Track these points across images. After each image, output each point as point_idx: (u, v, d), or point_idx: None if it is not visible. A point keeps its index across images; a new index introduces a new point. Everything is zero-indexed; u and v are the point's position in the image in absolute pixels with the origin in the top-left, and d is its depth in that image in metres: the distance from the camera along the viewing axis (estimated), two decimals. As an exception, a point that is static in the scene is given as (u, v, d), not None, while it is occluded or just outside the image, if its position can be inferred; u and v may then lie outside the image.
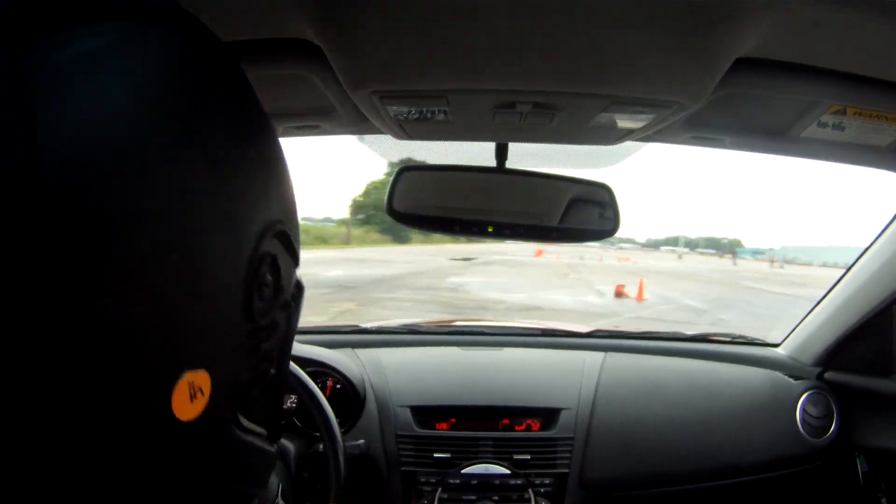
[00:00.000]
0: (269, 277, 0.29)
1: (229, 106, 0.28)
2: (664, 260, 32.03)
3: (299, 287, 0.34)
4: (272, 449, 0.33)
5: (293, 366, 1.00)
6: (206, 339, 0.25)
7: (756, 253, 53.69)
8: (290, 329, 0.33)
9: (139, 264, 0.21)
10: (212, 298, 0.25)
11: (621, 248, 47.77)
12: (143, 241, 0.21)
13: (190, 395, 0.24)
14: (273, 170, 0.30)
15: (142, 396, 0.22)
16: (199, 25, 0.27)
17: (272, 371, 0.32)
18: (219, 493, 0.29)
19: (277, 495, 0.90)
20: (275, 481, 0.91)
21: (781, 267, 32.36)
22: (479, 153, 0.88)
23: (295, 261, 0.33)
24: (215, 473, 0.28)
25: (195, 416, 0.25)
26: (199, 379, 0.25)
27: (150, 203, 0.22)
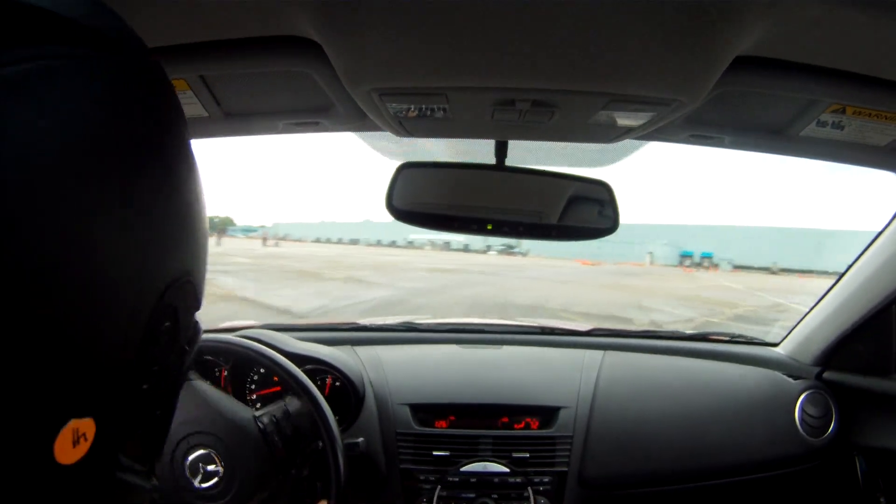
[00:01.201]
0: (167, 325, 0.29)
1: (158, 146, 0.26)
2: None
3: (196, 329, 0.33)
4: (147, 485, 0.33)
5: (292, 365, 1.00)
6: (97, 389, 0.25)
7: (248, 230, 53.51)
8: (181, 371, 0.32)
9: (33, 315, 0.21)
10: (108, 352, 0.25)
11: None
12: (38, 290, 0.21)
13: (73, 442, 0.24)
14: (190, 215, 0.29)
15: (25, 441, 0.22)
16: (142, 52, 0.25)
17: (159, 411, 0.32)
18: None
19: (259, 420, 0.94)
20: (250, 415, 0.94)
21: (276, 245, 31.59)
22: (479, 151, 0.88)
23: (197, 307, 0.32)
24: None
25: (76, 461, 0.24)
26: (84, 426, 0.24)
27: (50, 248, 0.21)
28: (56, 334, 0.22)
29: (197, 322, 0.33)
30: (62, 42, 0.22)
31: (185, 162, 0.28)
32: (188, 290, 0.29)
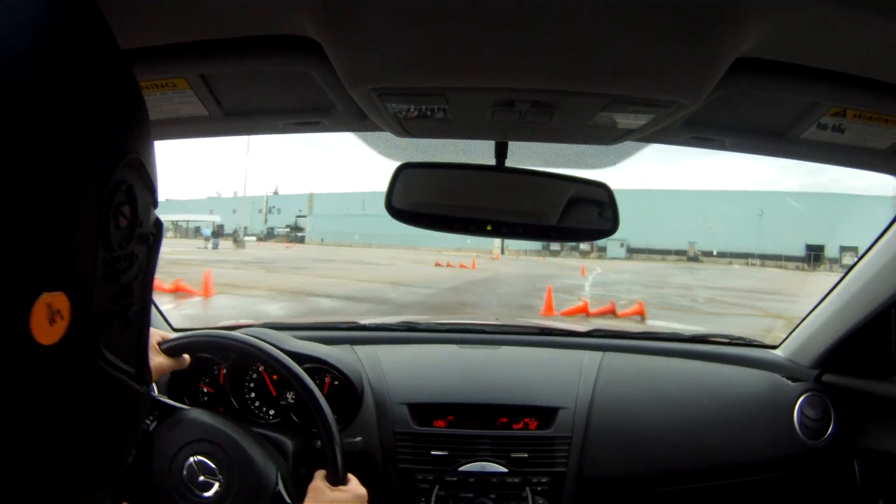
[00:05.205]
0: (126, 207, 0.30)
1: (85, 44, 0.29)
2: None
3: (158, 225, 0.35)
4: (142, 389, 0.34)
5: (291, 362, 1.00)
6: (62, 261, 0.26)
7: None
8: (150, 265, 0.34)
9: None
10: (65, 221, 0.26)
11: None
12: None
13: (49, 318, 0.25)
14: (129, 107, 0.32)
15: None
16: None
17: (134, 307, 0.33)
18: (91, 429, 0.30)
19: (277, 484, 0.90)
20: (273, 471, 0.91)
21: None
22: (479, 151, 0.88)
23: (152, 195, 0.34)
24: (82, 403, 0.29)
25: (56, 340, 0.25)
26: (58, 301, 0.25)
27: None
28: (8, 201, 0.23)
29: (158, 218, 0.35)
30: None
31: (117, 59, 0.31)
32: (137, 165, 0.31)
